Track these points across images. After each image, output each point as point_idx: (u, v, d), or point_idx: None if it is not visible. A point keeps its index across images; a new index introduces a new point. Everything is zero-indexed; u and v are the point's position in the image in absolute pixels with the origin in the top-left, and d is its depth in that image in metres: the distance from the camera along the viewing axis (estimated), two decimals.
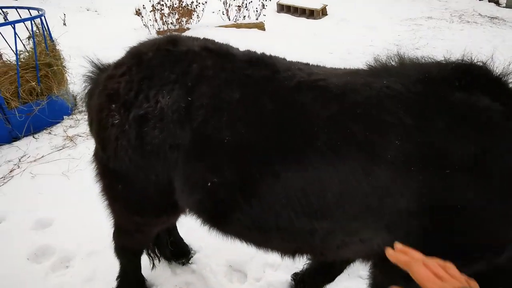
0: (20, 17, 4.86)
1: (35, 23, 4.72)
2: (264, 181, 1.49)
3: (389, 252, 0.94)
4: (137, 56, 1.77)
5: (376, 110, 1.41)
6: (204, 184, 1.57)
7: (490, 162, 1.30)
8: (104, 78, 1.83)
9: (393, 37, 9.72)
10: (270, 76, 1.62)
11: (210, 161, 1.56)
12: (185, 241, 2.92)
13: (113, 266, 2.51)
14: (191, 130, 1.58)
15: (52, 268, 2.81)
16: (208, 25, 9.28)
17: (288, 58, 1.87)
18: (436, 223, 1.36)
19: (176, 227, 2.84)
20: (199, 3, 9.62)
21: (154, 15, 9.20)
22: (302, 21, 11.61)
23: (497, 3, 14.39)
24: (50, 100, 4.70)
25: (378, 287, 1.80)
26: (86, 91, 2.05)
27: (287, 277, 2.70)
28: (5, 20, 7.04)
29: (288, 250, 1.74)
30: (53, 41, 5.02)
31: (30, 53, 4.74)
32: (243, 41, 6.40)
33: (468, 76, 1.42)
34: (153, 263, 2.68)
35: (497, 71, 1.45)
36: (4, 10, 7.35)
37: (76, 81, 4.72)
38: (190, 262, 2.86)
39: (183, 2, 9.33)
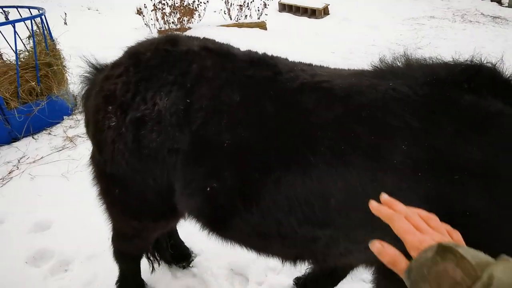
0: (21, 16, 4.83)
1: (35, 22, 4.68)
2: (265, 186, 1.43)
3: (373, 205, 0.89)
4: (135, 56, 1.72)
5: (382, 113, 1.35)
6: (203, 188, 1.52)
7: (502, 169, 1.24)
8: (101, 78, 1.78)
9: (395, 36, 9.68)
10: (272, 77, 1.56)
11: (209, 165, 1.51)
12: (185, 244, 2.88)
13: (113, 269, 2.47)
14: (190, 133, 1.53)
15: (51, 272, 2.77)
16: (209, 25, 9.26)
17: (290, 58, 1.82)
18: None
19: (176, 230, 2.80)
20: (201, 2, 9.61)
21: (156, 14, 9.19)
22: (304, 20, 11.58)
23: (500, 3, 14.37)
24: (50, 100, 4.66)
25: None
26: (83, 92, 2.00)
27: (289, 281, 2.66)
28: (6, 19, 7.01)
29: (289, 256, 1.69)
30: (53, 40, 4.99)
31: (30, 52, 4.71)
32: (244, 40, 6.39)
33: (478, 78, 1.36)
34: (153, 267, 2.64)
35: (507, 73, 1.40)
36: (5, 9, 7.33)
37: (77, 81, 4.68)
38: (191, 265, 2.82)
39: (184, 1, 9.32)
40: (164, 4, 9.09)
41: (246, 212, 1.49)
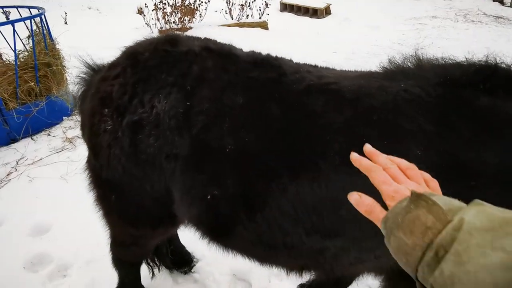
0: (21, 16, 4.78)
1: (35, 22, 4.63)
2: (270, 194, 1.35)
3: (353, 157, 0.87)
4: (133, 56, 1.65)
5: (393, 116, 1.28)
6: (204, 196, 1.45)
7: None
8: (97, 80, 1.71)
9: (397, 36, 9.63)
10: (276, 79, 1.48)
11: (210, 171, 1.43)
12: (187, 249, 2.82)
13: (112, 275, 2.40)
14: (190, 138, 1.45)
15: (49, 277, 2.70)
16: (210, 24, 9.21)
17: (292, 58, 1.75)
18: None
19: (177, 234, 2.73)
20: (202, 2, 9.57)
21: (156, 14, 9.14)
22: (306, 20, 11.52)
23: (502, 3, 14.33)
24: (49, 101, 4.60)
25: None
26: (79, 93, 1.93)
27: None
28: (7, 19, 6.96)
29: (295, 267, 1.62)
30: (52, 40, 4.92)
31: (29, 52, 4.65)
32: (246, 40, 6.32)
33: (494, 78, 1.29)
34: (153, 272, 2.58)
35: None
36: (6, 10, 7.29)
37: (76, 81, 4.63)
38: (192, 271, 2.76)
39: (185, 1, 9.27)
40: (165, 3, 9.05)
41: (249, 221, 1.42)
